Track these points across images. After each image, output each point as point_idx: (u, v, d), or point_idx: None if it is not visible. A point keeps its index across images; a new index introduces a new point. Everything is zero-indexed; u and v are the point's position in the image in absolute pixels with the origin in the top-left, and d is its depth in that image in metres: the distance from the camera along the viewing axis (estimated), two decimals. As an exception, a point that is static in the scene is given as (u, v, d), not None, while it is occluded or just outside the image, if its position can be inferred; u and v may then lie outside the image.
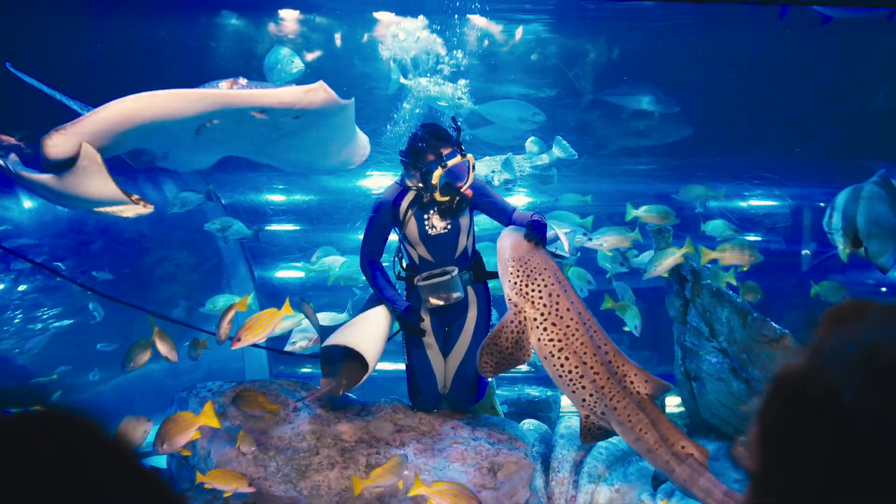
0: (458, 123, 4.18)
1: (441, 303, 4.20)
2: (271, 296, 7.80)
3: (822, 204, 9.89)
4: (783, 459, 0.92)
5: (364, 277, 4.43)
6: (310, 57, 7.90)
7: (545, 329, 3.66)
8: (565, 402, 5.88)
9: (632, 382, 3.61)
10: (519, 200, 9.30)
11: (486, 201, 4.30)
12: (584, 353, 3.61)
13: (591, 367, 3.60)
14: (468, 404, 4.57)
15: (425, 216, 4.26)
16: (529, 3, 7.79)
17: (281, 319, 4.01)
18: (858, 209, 4.49)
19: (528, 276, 3.74)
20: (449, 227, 4.27)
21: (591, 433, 3.73)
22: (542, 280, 3.71)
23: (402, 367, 4.62)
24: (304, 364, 7.67)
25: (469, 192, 4.20)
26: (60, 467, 0.78)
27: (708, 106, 8.57)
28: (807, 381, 0.91)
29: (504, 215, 4.29)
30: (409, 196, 4.25)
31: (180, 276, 7.73)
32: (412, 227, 4.27)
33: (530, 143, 7.47)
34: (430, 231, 4.26)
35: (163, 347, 4.25)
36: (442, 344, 4.46)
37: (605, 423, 3.67)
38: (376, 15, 7.88)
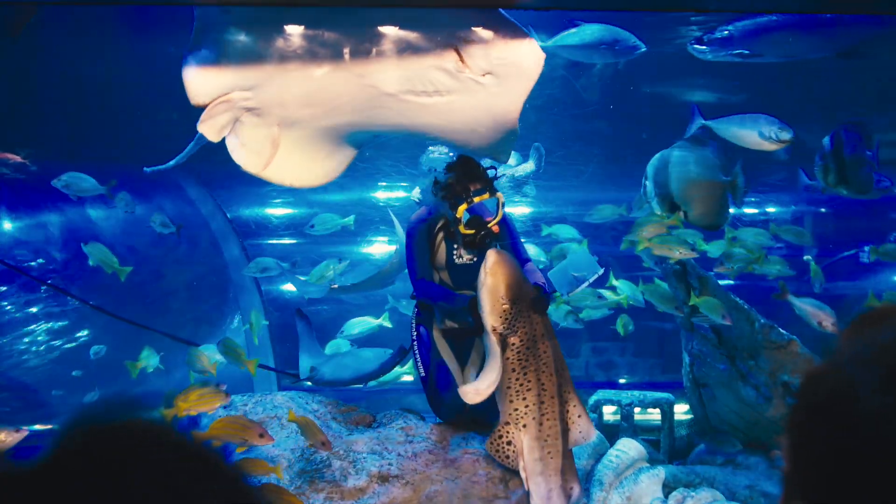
0: (495, 168, 4.25)
1: (455, 325, 4.38)
2: (280, 309, 7.80)
3: (822, 210, 9.92)
4: (802, 460, 0.93)
5: (423, 297, 4.42)
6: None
7: (518, 351, 3.80)
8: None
9: (569, 412, 3.80)
10: (519, 210, 9.31)
11: (507, 243, 4.34)
12: (543, 374, 3.79)
13: (543, 385, 3.77)
14: (492, 418, 4.59)
15: (454, 245, 4.35)
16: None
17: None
18: (670, 175, 4.39)
19: (516, 316, 3.84)
20: (475, 259, 4.32)
21: (498, 445, 3.81)
22: (528, 321, 3.85)
23: (410, 378, 4.63)
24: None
25: (496, 230, 4.20)
26: (155, 476, 0.79)
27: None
28: (824, 383, 0.92)
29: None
30: (440, 223, 4.35)
31: (186, 290, 7.74)
32: (441, 253, 4.39)
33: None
34: (457, 260, 4.37)
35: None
36: (458, 362, 4.48)
37: (520, 436, 3.76)
38: None
